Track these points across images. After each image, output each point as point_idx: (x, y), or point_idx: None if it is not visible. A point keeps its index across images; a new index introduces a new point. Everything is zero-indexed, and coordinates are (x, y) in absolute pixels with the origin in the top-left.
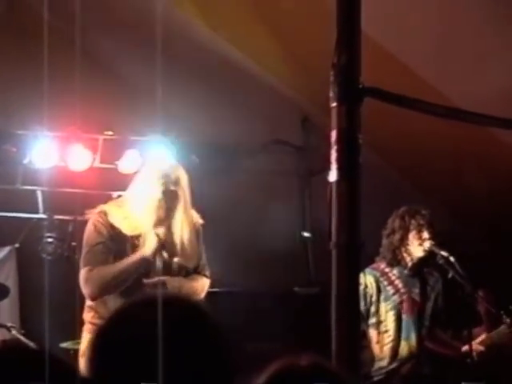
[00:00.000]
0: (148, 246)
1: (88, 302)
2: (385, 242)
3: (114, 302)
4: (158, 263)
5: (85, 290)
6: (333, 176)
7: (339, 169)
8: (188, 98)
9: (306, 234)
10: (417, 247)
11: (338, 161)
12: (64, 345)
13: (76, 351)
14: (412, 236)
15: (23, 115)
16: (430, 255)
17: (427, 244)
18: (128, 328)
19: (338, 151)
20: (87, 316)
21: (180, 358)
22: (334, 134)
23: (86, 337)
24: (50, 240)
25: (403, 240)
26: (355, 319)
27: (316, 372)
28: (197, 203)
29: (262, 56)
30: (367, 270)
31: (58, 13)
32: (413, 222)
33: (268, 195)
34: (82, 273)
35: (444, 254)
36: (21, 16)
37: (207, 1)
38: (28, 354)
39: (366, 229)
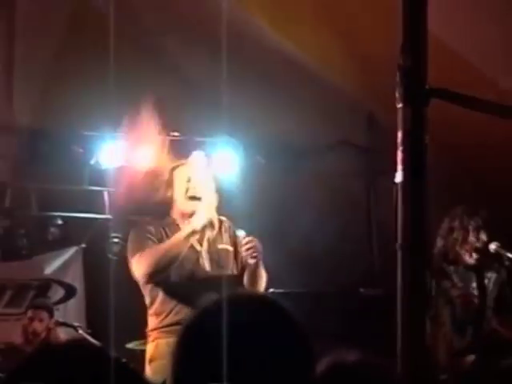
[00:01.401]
0: (197, 219)
1: (150, 311)
2: (440, 242)
3: (175, 304)
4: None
5: (138, 272)
6: (399, 177)
7: (405, 170)
8: (254, 99)
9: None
10: (474, 250)
11: (404, 162)
12: (130, 345)
13: (142, 352)
14: (470, 236)
15: (90, 116)
16: (495, 257)
17: (493, 246)
18: (214, 326)
19: (404, 152)
20: (152, 323)
21: (267, 357)
22: (399, 135)
23: (154, 344)
24: (116, 240)
25: (460, 241)
26: (421, 321)
27: (364, 368)
28: (263, 204)
29: (328, 56)
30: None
31: (123, 13)
32: (471, 222)
33: (333, 196)
34: (133, 261)
35: (510, 255)
36: (86, 16)
37: (273, 0)
38: (92, 353)
39: (431, 229)
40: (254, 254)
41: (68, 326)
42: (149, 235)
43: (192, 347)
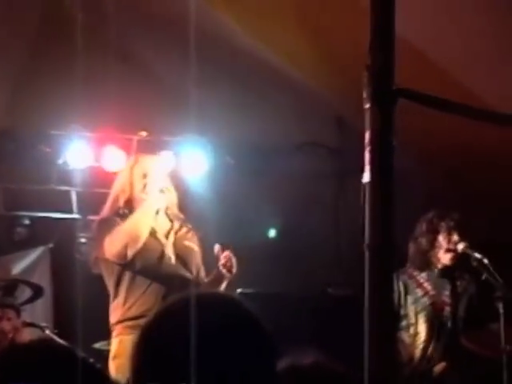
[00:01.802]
0: (153, 199)
1: (114, 303)
2: (412, 246)
3: (139, 295)
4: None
5: (111, 251)
6: (366, 177)
7: (372, 170)
8: (223, 99)
9: None
10: (446, 250)
11: (372, 162)
12: (97, 345)
13: (108, 352)
14: (441, 239)
15: (58, 115)
16: (463, 257)
17: (461, 246)
18: (173, 327)
19: (372, 152)
20: (116, 316)
21: (226, 357)
22: (367, 135)
23: (118, 340)
24: (83, 240)
25: (432, 243)
26: (389, 321)
27: (317, 371)
28: (231, 204)
29: (297, 57)
30: (393, 275)
31: (93, 14)
32: (442, 224)
33: (302, 196)
34: (106, 243)
35: (478, 256)
36: (57, 17)
37: (243, 1)
38: (59, 353)
39: (403, 232)
40: (231, 269)
41: (35, 326)
42: (114, 222)
43: (153, 347)
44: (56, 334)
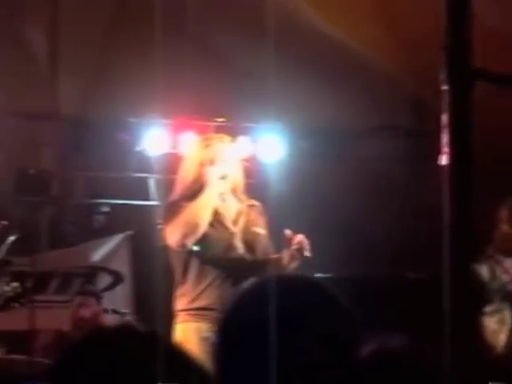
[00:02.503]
0: (219, 183)
1: (180, 290)
2: (496, 232)
3: (205, 286)
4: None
5: (172, 239)
6: (444, 160)
7: (451, 152)
8: (298, 84)
9: None
10: None
11: (450, 144)
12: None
13: None
14: None
15: (136, 103)
16: None
17: None
18: (255, 310)
19: (450, 135)
20: (181, 303)
21: (314, 340)
22: (445, 118)
23: (182, 327)
24: (162, 227)
25: None
26: (469, 305)
27: (409, 354)
28: (306, 189)
29: (372, 40)
30: (480, 259)
31: (170, 2)
32: None
33: (378, 180)
34: (167, 231)
35: None
36: (133, 3)
37: None
38: (142, 337)
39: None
40: (303, 252)
41: (115, 312)
42: (179, 208)
43: (235, 332)
44: (136, 320)
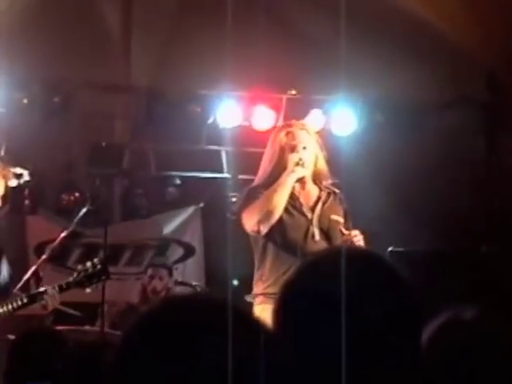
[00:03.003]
0: (300, 170)
1: (258, 273)
2: None
3: (282, 273)
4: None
5: (249, 224)
6: None
7: None
8: (372, 56)
9: None
10: None
11: None
12: (248, 298)
13: None
14: None
15: (208, 75)
16: None
17: None
18: (318, 281)
19: None
20: (258, 288)
21: (369, 313)
22: None
23: (261, 307)
24: (234, 199)
25: None
26: None
27: (482, 324)
28: (381, 162)
29: (448, 13)
30: None
31: None
32: None
33: (453, 152)
34: (243, 216)
35: None
36: None
37: None
38: (218, 304)
39: None
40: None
41: (187, 285)
42: (258, 194)
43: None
44: (208, 292)
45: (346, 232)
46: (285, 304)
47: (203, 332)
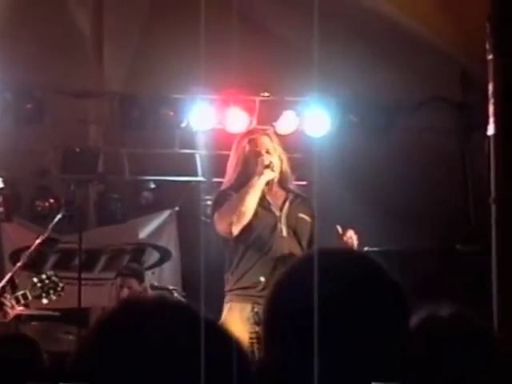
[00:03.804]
0: (268, 173)
1: (228, 272)
2: None
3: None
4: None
5: (221, 226)
6: (491, 130)
7: (497, 122)
8: (345, 57)
9: None
10: None
11: (496, 114)
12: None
13: None
14: None
15: (180, 79)
16: None
17: None
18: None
19: (496, 104)
20: (228, 284)
21: (359, 316)
22: (491, 87)
23: (228, 306)
24: (208, 202)
25: None
26: None
27: (457, 321)
28: (355, 162)
29: (420, 12)
30: None
31: None
32: None
33: (427, 152)
34: (215, 218)
35: None
36: None
37: None
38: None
39: None
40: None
41: (163, 289)
42: (228, 196)
43: (284, 301)
44: (184, 296)
45: (341, 232)
46: (271, 315)
47: (154, 336)
